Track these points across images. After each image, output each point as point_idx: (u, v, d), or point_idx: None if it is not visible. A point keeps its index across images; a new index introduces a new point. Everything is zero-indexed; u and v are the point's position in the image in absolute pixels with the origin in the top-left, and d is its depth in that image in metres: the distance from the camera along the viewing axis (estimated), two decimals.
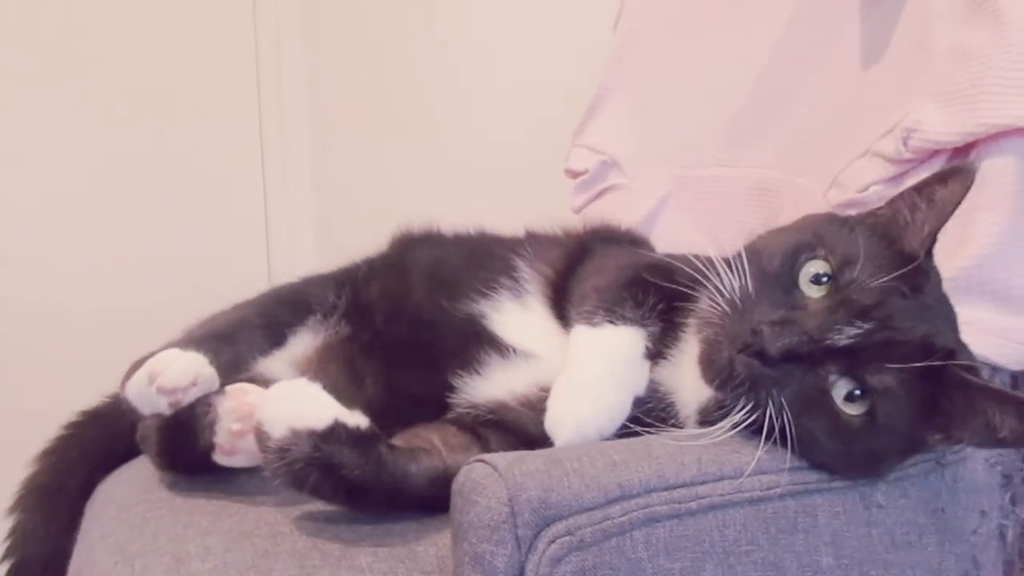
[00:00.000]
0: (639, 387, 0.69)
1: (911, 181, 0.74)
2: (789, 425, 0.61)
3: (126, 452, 0.90)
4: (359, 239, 0.94)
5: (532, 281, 0.82)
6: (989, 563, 0.71)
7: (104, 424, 0.93)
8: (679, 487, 0.60)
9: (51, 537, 0.88)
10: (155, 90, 1.85)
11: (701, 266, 0.68)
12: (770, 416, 0.61)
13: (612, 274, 0.75)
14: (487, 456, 0.60)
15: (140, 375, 0.75)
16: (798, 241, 0.67)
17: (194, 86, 1.90)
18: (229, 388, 0.76)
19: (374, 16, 1.89)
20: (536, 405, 0.72)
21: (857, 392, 0.62)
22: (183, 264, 1.85)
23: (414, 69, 1.81)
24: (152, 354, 0.78)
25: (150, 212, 1.85)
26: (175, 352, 0.77)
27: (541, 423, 0.68)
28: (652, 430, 0.67)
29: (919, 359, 0.61)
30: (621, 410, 0.68)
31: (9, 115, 1.72)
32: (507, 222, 0.93)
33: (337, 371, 0.85)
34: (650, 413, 0.69)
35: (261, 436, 0.65)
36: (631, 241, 0.88)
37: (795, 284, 0.65)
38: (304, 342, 0.86)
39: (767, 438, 0.62)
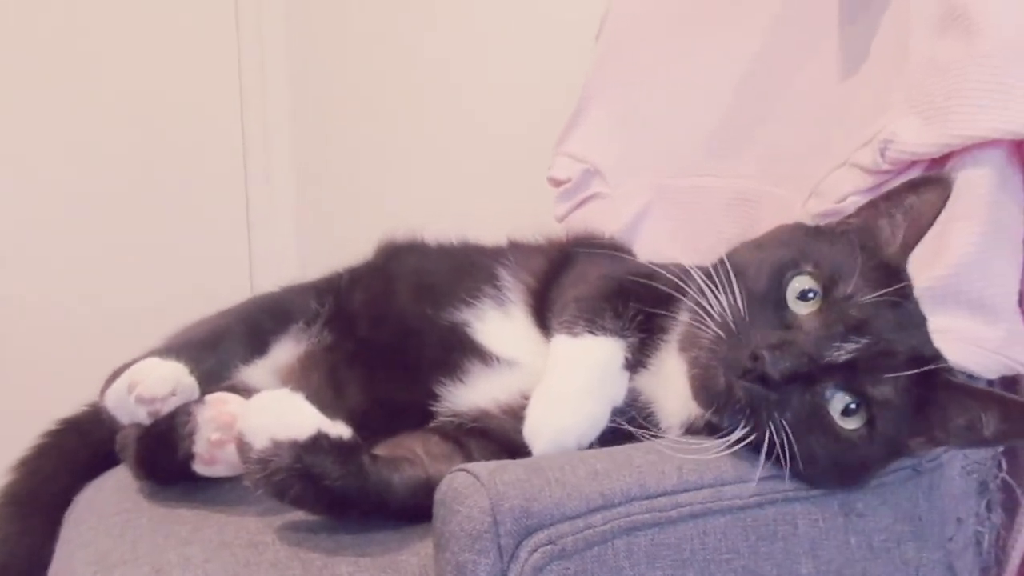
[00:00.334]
0: (618, 397, 0.70)
1: (887, 190, 0.75)
2: (789, 444, 0.61)
3: (105, 461, 0.89)
4: (342, 245, 0.94)
5: (515, 290, 0.83)
6: (966, 570, 0.72)
7: (83, 432, 0.92)
8: (660, 496, 0.61)
9: (28, 547, 0.86)
10: (136, 95, 1.84)
11: (682, 277, 0.69)
12: (770, 436, 0.61)
13: (593, 284, 0.75)
14: (469, 465, 0.60)
15: (119, 384, 0.75)
16: (782, 258, 0.67)
17: (176, 89, 1.89)
18: (209, 397, 0.75)
19: (359, 23, 1.89)
20: (519, 413, 0.72)
21: (853, 405, 0.63)
22: (164, 269, 1.84)
23: (398, 74, 1.81)
24: (132, 362, 0.78)
25: (130, 217, 1.84)
26: (155, 361, 0.76)
27: None
28: (643, 435, 0.68)
29: (913, 367, 0.63)
30: (599, 420, 0.68)
31: None
32: (492, 229, 0.93)
33: (319, 380, 0.84)
34: (632, 422, 0.70)
35: (243, 446, 0.65)
36: (613, 250, 0.88)
37: (784, 302, 0.66)
38: (286, 351, 0.86)
39: (767, 457, 0.62)
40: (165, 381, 0.74)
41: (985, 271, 0.76)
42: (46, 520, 0.87)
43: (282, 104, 2.01)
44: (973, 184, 0.77)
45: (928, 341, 0.67)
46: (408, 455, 0.71)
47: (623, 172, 1.17)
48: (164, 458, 0.76)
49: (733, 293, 0.65)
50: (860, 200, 0.85)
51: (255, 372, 0.84)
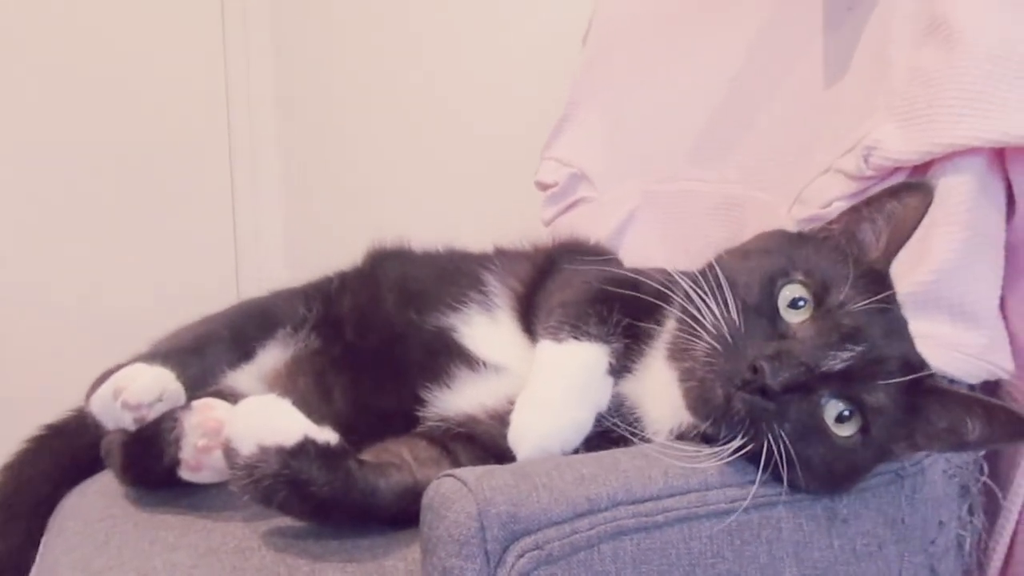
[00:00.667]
0: (602, 403, 0.70)
1: (869, 195, 0.76)
2: (787, 452, 0.62)
3: (89, 466, 0.88)
4: (329, 248, 0.94)
5: (501, 295, 0.83)
6: (948, 573, 0.73)
7: (66, 437, 0.91)
8: (646, 500, 0.61)
9: (9, 552, 0.86)
10: (121, 100, 1.83)
11: (667, 284, 0.69)
12: (768, 445, 0.62)
13: (578, 290, 0.75)
14: (456, 471, 0.60)
15: (105, 390, 0.75)
16: (771, 267, 0.68)
17: (162, 92, 1.88)
18: (195, 403, 0.75)
19: (345, 26, 1.89)
20: (506, 418, 0.72)
21: (846, 412, 0.64)
22: (150, 272, 1.83)
23: (386, 77, 1.81)
24: (118, 367, 0.77)
25: (115, 221, 1.83)
26: (141, 367, 0.76)
27: None
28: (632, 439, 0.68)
29: (903, 373, 0.64)
30: (583, 425, 0.68)
31: None
32: (479, 233, 0.94)
33: (306, 385, 0.84)
34: (617, 427, 0.70)
35: (230, 452, 0.65)
36: (599, 256, 0.89)
37: (776, 311, 0.66)
38: (273, 356, 0.86)
39: (765, 467, 0.62)
40: (151, 387, 0.74)
41: (966, 277, 0.77)
42: (28, 525, 0.86)
43: (269, 108, 2.01)
44: (954, 191, 0.77)
45: (914, 347, 0.67)
46: (395, 460, 0.71)
47: (610, 177, 1.18)
48: (150, 464, 0.76)
49: (725, 302, 0.65)
50: (844, 206, 0.85)
51: (242, 377, 0.84)
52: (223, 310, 0.89)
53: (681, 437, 0.68)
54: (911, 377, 0.64)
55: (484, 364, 0.78)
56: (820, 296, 0.66)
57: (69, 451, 0.90)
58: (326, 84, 1.94)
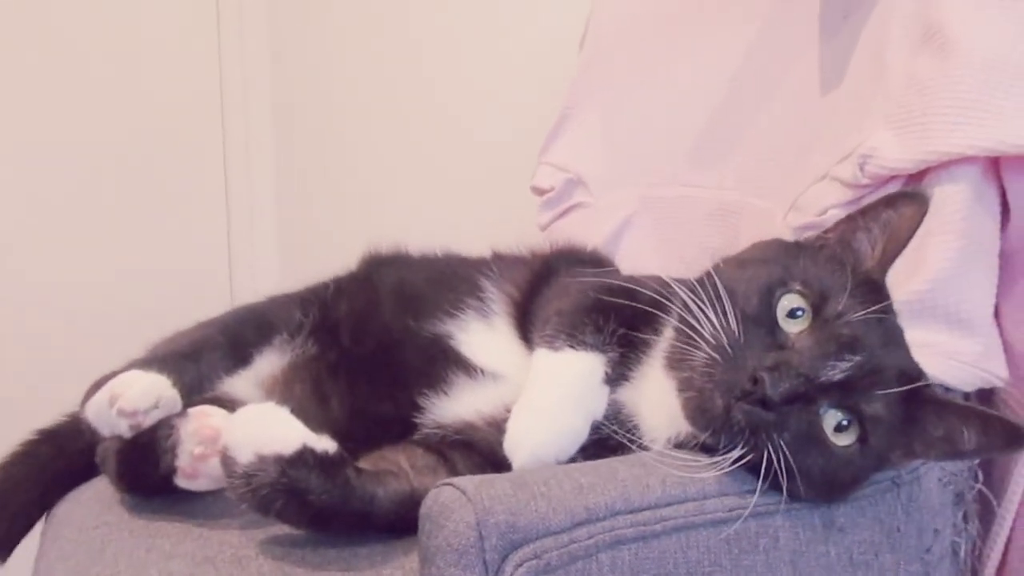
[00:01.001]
0: (597, 412, 0.70)
1: (864, 204, 0.77)
2: (787, 462, 0.62)
3: (83, 471, 0.88)
4: (324, 253, 0.94)
5: (498, 302, 0.83)
6: None
7: (60, 443, 0.91)
8: (644, 510, 0.61)
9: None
10: (115, 103, 1.82)
11: (664, 292, 0.70)
12: (768, 456, 0.62)
13: (574, 298, 0.75)
14: (455, 480, 0.60)
15: (100, 396, 0.74)
16: (769, 277, 0.68)
17: (157, 96, 1.87)
18: (191, 410, 0.75)
19: (341, 30, 1.89)
20: (503, 426, 0.72)
21: (845, 422, 0.64)
22: (144, 277, 1.82)
23: (382, 81, 1.80)
24: (113, 374, 0.77)
25: (108, 227, 1.82)
26: (136, 373, 0.76)
27: None
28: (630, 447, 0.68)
29: (901, 383, 0.64)
30: (579, 434, 0.69)
31: None
32: (475, 237, 0.94)
33: (303, 391, 0.84)
34: (615, 435, 0.70)
35: (227, 461, 0.65)
36: (596, 262, 0.89)
37: (775, 322, 0.66)
38: (270, 362, 0.85)
39: (764, 476, 0.62)
40: (147, 394, 0.74)
41: (961, 285, 0.77)
42: (14, 530, 0.86)
43: (264, 111, 2.00)
44: (949, 199, 0.78)
45: (911, 357, 0.68)
46: (392, 468, 0.71)
47: (606, 182, 1.18)
48: (145, 471, 0.76)
49: (723, 312, 0.65)
50: (840, 213, 0.86)
51: (238, 383, 0.84)
52: (219, 316, 0.89)
53: (680, 446, 0.68)
54: (908, 387, 0.64)
55: (481, 371, 0.78)
56: (818, 306, 0.66)
57: (62, 456, 0.89)
58: (322, 88, 1.93)
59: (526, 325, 0.79)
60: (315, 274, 0.95)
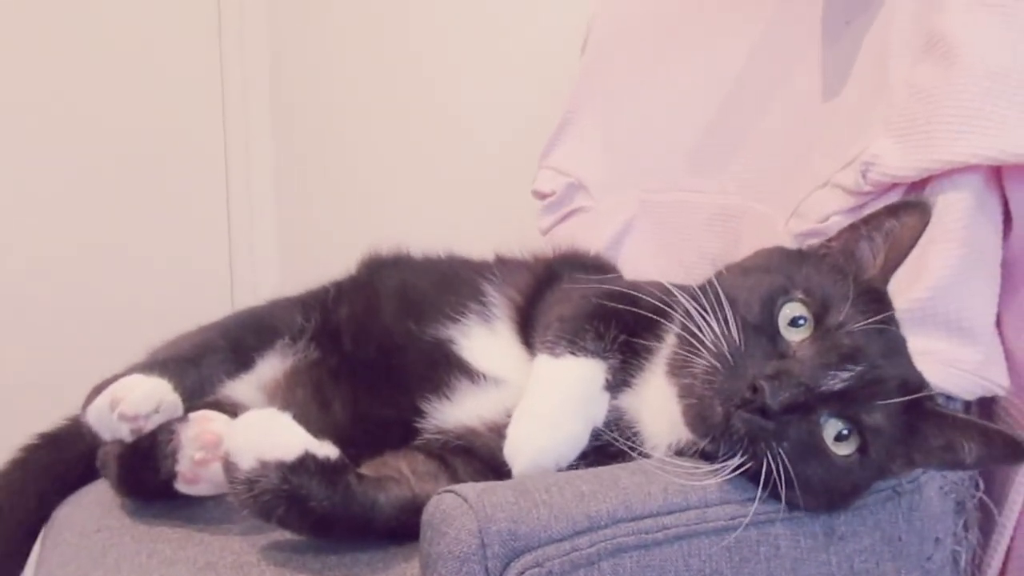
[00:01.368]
0: (598, 418, 0.70)
1: (868, 213, 0.77)
2: (786, 471, 0.62)
3: (84, 475, 0.88)
4: (324, 255, 0.94)
5: (500, 306, 0.83)
6: None
7: (61, 447, 0.91)
8: (646, 517, 0.61)
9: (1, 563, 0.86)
10: (116, 105, 1.81)
11: (666, 299, 0.70)
12: (767, 464, 0.62)
13: (576, 304, 0.75)
14: (457, 487, 0.60)
15: (101, 400, 0.74)
16: (771, 285, 0.68)
17: (157, 96, 1.87)
18: (192, 415, 0.75)
19: (341, 32, 1.89)
20: (504, 431, 0.72)
21: (845, 431, 0.64)
22: (145, 280, 1.82)
23: (383, 84, 1.80)
24: (115, 377, 0.77)
25: (109, 227, 1.82)
26: (138, 378, 0.76)
27: None
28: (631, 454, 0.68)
29: (902, 393, 0.64)
30: (579, 440, 0.68)
31: None
32: (477, 240, 0.94)
33: (305, 395, 0.84)
34: (616, 441, 0.70)
35: (229, 467, 0.65)
36: (599, 267, 0.89)
37: (776, 330, 0.66)
38: (272, 366, 0.85)
39: (764, 485, 0.63)
40: (148, 398, 0.74)
41: (963, 294, 0.77)
42: (17, 534, 0.86)
43: (264, 112, 2.00)
44: (951, 208, 0.78)
45: (913, 367, 0.68)
46: (394, 474, 0.71)
47: (607, 186, 1.18)
48: (146, 476, 0.76)
49: (725, 320, 0.65)
50: (842, 220, 0.86)
51: (240, 387, 0.84)
52: (221, 319, 0.89)
53: (680, 453, 0.68)
54: (909, 398, 0.64)
55: (483, 376, 0.78)
56: (820, 315, 0.66)
57: (63, 460, 0.89)
58: (322, 89, 1.93)
59: (528, 330, 0.79)
60: (315, 275, 0.95)
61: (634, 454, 0.69)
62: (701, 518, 0.62)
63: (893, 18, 0.88)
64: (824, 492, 0.65)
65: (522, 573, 0.57)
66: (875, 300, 0.67)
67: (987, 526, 0.80)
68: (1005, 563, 0.80)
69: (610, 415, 0.71)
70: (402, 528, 0.67)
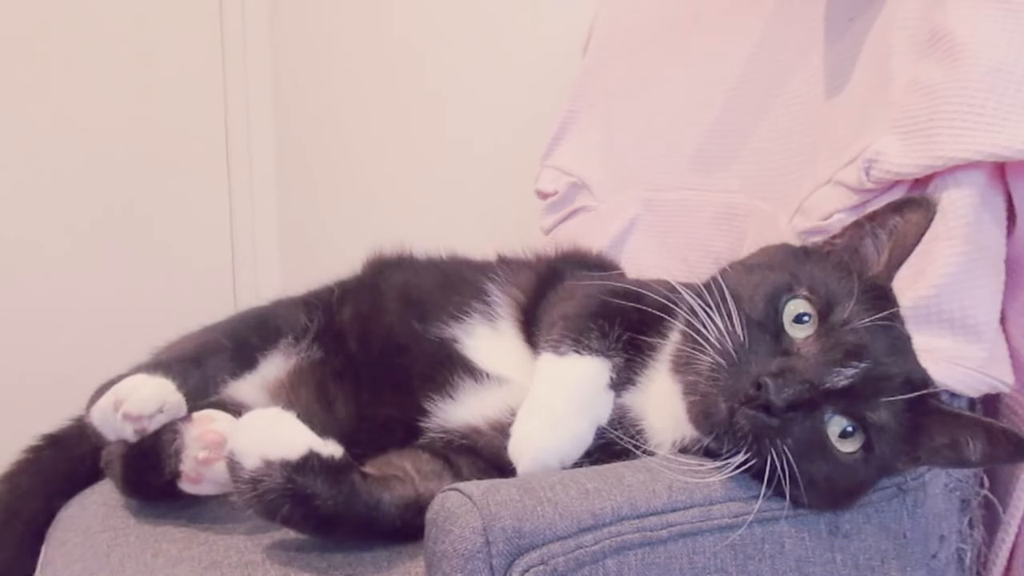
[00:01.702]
0: (602, 417, 0.70)
1: (872, 210, 0.76)
2: (791, 468, 0.62)
3: (88, 476, 0.88)
4: (325, 255, 0.94)
5: (504, 305, 0.83)
6: None
7: (65, 448, 0.91)
8: (650, 515, 0.61)
9: (6, 563, 0.86)
10: (118, 107, 1.82)
11: (670, 296, 0.69)
12: (772, 462, 0.62)
13: (580, 302, 0.75)
14: (461, 485, 0.60)
15: (105, 400, 0.75)
16: (776, 282, 0.68)
17: (160, 98, 1.88)
18: (196, 415, 0.75)
19: (342, 32, 1.89)
20: (508, 430, 0.72)
21: (849, 429, 0.64)
22: (148, 280, 1.82)
23: (385, 85, 1.80)
24: (119, 377, 0.77)
25: (112, 227, 1.82)
26: (142, 378, 0.76)
27: None
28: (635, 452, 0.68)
29: (906, 391, 0.64)
30: (583, 439, 0.69)
31: None
32: (479, 240, 0.94)
33: (308, 395, 0.84)
34: (620, 439, 0.70)
35: (234, 466, 0.65)
36: (602, 266, 0.89)
37: (780, 327, 0.66)
38: (275, 365, 0.86)
39: (768, 482, 0.62)
40: (152, 398, 0.74)
41: (967, 291, 0.77)
42: (25, 537, 0.86)
43: (265, 113, 2.00)
44: (955, 205, 0.78)
45: (918, 364, 0.68)
46: (398, 473, 0.71)
47: (610, 185, 1.18)
48: (150, 476, 0.76)
49: (730, 317, 0.65)
50: (845, 218, 0.86)
51: (243, 387, 0.84)
52: (224, 320, 0.89)
53: (684, 450, 0.68)
54: (914, 395, 0.64)
55: (487, 375, 0.78)
56: (824, 312, 0.66)
57: (68, 461, 0.90)
58: (324, 91, 1.94)
59: (531, 329, 0.79)
60: (317, 274, 0.95)
61: (638, 452, 0.69)
62: (706, 516, 0.62)
63: (896, 15, 0.88)
64: (828, 489, 0.65)
65: (527, 571, 0.57)
66: (880, 297, 0.67)
67: (992, 524, 0.80)
68: (1010, 560, 0.80)
69: (614, 413, 0.71)
70: (406, 527, 0.67)
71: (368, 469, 0.70)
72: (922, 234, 0.69)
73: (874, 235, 0.70)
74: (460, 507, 0.58)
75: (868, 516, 0.68)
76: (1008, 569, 0.80)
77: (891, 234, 0.70)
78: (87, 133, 1.79)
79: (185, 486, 0.74)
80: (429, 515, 0.60)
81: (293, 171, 2.01)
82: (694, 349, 0.66)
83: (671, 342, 0.71)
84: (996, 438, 0.65)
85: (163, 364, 0.79)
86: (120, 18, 1.82)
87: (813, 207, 0.89)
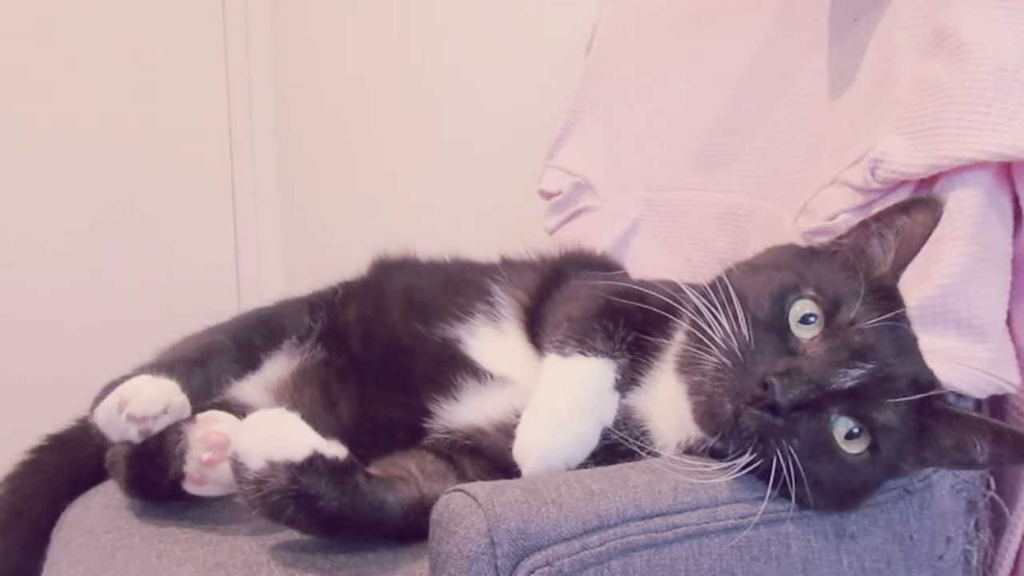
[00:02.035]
0: (607, 418, 0.70)
1: (878, 210, 0.76)
2: (796, 469, 0.62)
3: (92, 476, 0.88)
4: (327, 256, 0.94)
5: (507, 306, 0.83)
6: None
7: (69, 448, 0.91)
8: (656, 516, 0.61)
9: (12, 565, 0.86)
10: (122, 107, 1.82)
11: (675, 296, 0.69)
12: (777, 462, 0.62)
13: (584, 303, 0.75)
14: (466, 486, 0.60)
15: (110, 401, 0.74)
16: (782, 282, 0.67)
17: (162, 99, 1.88)
18: (200, 416, 0.75)
19: (345, 35, 1.89)
20: (512, 431, 0.72)
21: (856, 430, 0.64)
22: (151, 280, 1.83)
23: (387, 86, 1.80)
24: (123, 378, 0.77)
25: (115, 227, 1.82)
26: (146, 379, 0.76)
27: None
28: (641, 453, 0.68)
29: (913, 392, 0.64)
30: (588, 440, 0.68)
31: None
32: (482, 241, 0.94)
33: (312, 395, 0.84)
34: (625, 440, 0.70)
35: (238, 467, 0.65)
36: (606, 267, 0.89)
37: (786, 327, 0.66)
38: (279, 366, 0.86)
39: (774, 483, 0.62)
40: (156, 399, 0.74)
41: (973, 291, 0.77)
42: (30, 538, 0.86)
43: (268, 115, 2.00)
44: (961, 205, 0.77)
45: (924, 365, 0.67)
46: (402, 474, 0.71)
47: (613, 185, 1.18)
48: (154, 477, 0.76)
49: (735, 317, 0.65)
50: (851, 218, 0.86)
51: (247, 387, 0.84)
52: (228, 320, 0.89)
53: (689, 451, 0.68)
54: (920, 396, 0.64)
55: (491, 376, 0.78)
56: (831, 312, 0.66)
57: (72, 462, 0.90)
58: (326, 93, 1.94)
59: (536, 330, 0.79)
60: (320, 275, 0.95)
61: (643, 453, 0.69)
62: (711, 517, 0.62)
63: (900, 15, 0.88)
64: (834, 491, 0.64)
65: (532, 572, 0.56)
66: (886, 297, 0.67)
67: (998, 525, 0.79)
68: (1016, 562, 0.80)
69: (619, 414, 0.71)
70: (411, 528, 0.67)
71: (372, 470, 0.70)
72: (928, 234, 0.69)
73: (880, 235, 0.70)
74: (465, 508, 0.58)
75: (875, 518, 0.67)
76: (1014, 571, 0.80)
77: (897, 234, 0.70)
78: (90, 133, 1.79)
79: (189, 487, 0.74)
80: (434, 516, 0.59)
81: (296, 172, 2.01)
82: (699, 349, 0.66)
83: (676, 342, 0.70)
84: (1003, 439, 0.64)
85: (167, 365, 0.79)
86: (122, 18, 1.83)
87: (818, 207, 0.89)
